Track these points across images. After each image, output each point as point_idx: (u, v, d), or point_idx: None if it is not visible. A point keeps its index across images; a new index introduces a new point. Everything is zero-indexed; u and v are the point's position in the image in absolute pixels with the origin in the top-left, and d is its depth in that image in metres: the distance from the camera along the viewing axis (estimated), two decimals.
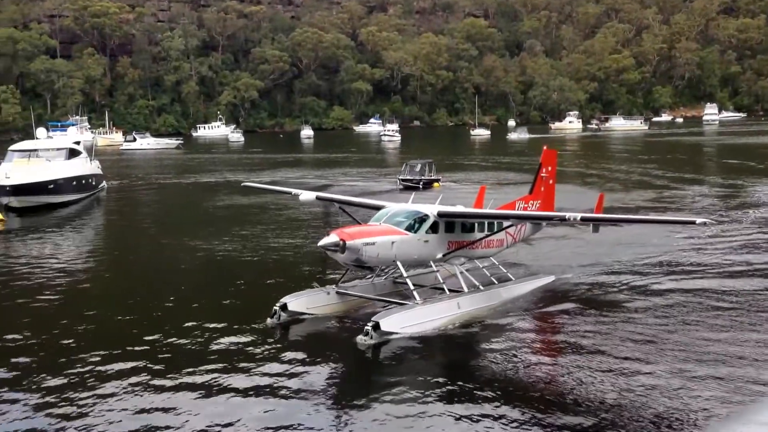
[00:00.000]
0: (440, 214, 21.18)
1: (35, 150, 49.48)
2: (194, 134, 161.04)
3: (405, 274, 20.29)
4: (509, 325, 20.53)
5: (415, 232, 20.52)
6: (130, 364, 17.45)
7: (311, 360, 17.85)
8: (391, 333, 18.92)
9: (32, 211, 44.27)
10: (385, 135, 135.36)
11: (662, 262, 27.70)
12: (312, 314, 21.17)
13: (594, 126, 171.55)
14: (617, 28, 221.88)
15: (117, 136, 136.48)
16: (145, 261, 31.28)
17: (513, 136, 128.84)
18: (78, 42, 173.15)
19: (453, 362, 18.28)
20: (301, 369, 17.32)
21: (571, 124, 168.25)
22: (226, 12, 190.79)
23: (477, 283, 22.21)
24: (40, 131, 55.45)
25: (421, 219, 20.86)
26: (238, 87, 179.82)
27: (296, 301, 21.01)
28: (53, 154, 49.61)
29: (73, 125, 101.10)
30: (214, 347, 18.77)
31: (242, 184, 32.45)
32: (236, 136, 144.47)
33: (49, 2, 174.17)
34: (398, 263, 20.21)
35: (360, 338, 18.76)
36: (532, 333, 20.51)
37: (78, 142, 56.44)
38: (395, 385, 16.31)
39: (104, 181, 58.27)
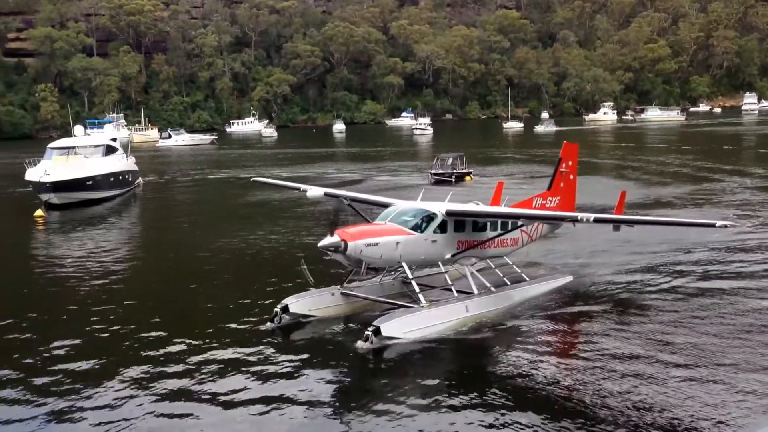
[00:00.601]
0: (449, 213, 20.26)
1: (73, 147, 50.41)
2: (228, 130, 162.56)
3: (410, 276, 19.60)
4: (522, 330, 19.61)
5: (422, 231, 19.69)
6: (130, 365, 17.44)
7: (309, 366, 17.20)
8: (393, 338, 18.04)
9: (71, 207, 45.15)
10: (416, 129, 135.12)
11: (695, 261, 26.46)
12: (315, 316, 20.42)
13: (629, 117, 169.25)
14: (653, 17, 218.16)
15: (152, 133, 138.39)
16: (173, 257, 31.57)
17: (539, 129, 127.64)
18: (114, 40, 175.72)
19: (459, 369, 17.45)
20: (297, 376, 16.66)
21: (605, 116, 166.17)
22: (258, 8, 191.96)
23: (488, 285, 21.27)
24: (78, 129, 56.46)
25: (429, 218, 20.00)
26: (271, 82, 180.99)
27: (298, 303, 20.31)
28: (91, 151, 50.53)
29: (109, 122, 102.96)
30: (212, 351, 18.20)
31: (251, 180, 31.81)
32: (269, 132, 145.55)
33: (86, 1, 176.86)
34: (403, 264, 19.48)
35: (360, 343, 17.91)
36: (547, 338, 19.26)
37: (114, 139, 57.47)
38: (396, 393, 15.59)
39: (140, 177, 59.17)
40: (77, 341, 19.25)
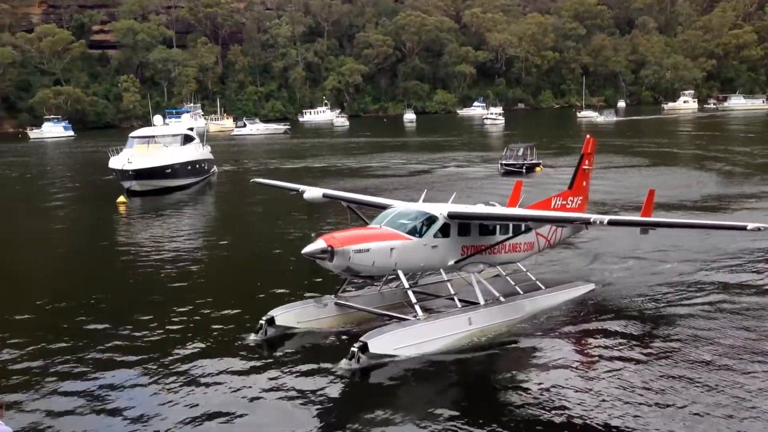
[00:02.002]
0: (451, 215, 18.45)
1: (153, 136, 52.38)
2: (300, 119, 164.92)
3: (407, 285, 17.75)
4: (532, 347, 17.62)
5: (421, 235, 17.95)
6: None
7: (282, 389, 15.38)
8: (383, 355, 16.20)
9: (151, 194, 46.95)
10: (488, 118, 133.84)
11: (743, 270, 23.80)
12: (305, 329, 18.65)
13: (711, 106, 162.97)
14: (738, 2, 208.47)
15: (227, 122, 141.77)
16: (242, 246, 32.45)
17: (600, 119, 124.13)
18: (192, 32, 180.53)
19: (458, 394, 15.44)
20: (275, 398, 14.97)
21: (685, 105, 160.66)
22: None
23: (497, 294, 19.20)
24: (157, 118, 58.58)
25: (429, 221, 18.25)
26: (343, 72, 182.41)
27: (286, 315, 18.64)
28: (170, 140, 52.36)
29: (187, 112, 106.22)
30: (191, 365, 16.92)
31: (251, 181, 29.72)
32: (341, 121, 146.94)
33: None
34: (399, 273, 17.66)
35: (344, 362, 16.02)
36: (561, 358, 16.96)
37: (191, 128, 59.46)
38: (384, 422, 13.89)
39: (215, 166, 60.90)
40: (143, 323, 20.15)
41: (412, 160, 67.79)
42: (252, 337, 18.32)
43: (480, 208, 20.73)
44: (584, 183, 23.71)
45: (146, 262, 27.95)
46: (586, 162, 23.80)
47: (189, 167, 52.08)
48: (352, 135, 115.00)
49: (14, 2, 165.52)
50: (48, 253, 31.46)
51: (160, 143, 51.28)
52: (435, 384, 15.81)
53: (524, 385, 15.48)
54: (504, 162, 53.85)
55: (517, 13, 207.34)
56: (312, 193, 22.65)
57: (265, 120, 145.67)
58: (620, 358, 16.76)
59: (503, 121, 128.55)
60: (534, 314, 19.60)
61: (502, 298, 19.21)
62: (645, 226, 18.77)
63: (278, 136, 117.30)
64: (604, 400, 14.57)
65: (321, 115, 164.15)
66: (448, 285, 18.63)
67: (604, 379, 15.67)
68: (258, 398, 15.05)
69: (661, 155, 65.33)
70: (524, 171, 51.38)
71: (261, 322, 18.33)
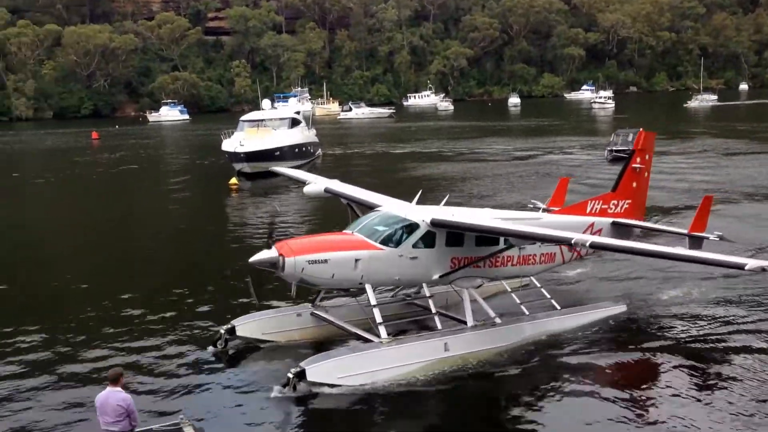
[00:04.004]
0: (434, 223, 15.85)
1: (262, 120, 54.44)
2: (405, 103, 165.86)
3: (373, 301, 15.22)
4: (522, 382, 14.65)
5: (397, 245, 15.59)
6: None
7: (211, 405, 13.76)
8: (324, 384, 14.00)
9: (260, 177, 48.90)
10: (596, 102, 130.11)
11: None
12: (272, 341, 16.71)
13: None
14: None
15: (333, 106, 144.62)
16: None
17: (693, 103, 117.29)
18: (301, 17, 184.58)
19: None
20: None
21: None
22: None
23: (492, 315, 16.37)
24: (265, 103, 60.78)
25: (408, 228, 15.84)
26: (448, 56, 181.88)
27: (249, 325, 16.72)
28: (278, 124, 54.23)
29: (294, 96, 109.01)
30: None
31: (269, 169, 28.50)
32: (445, 105, 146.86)
33: None
34: (367, 287, 15.32)
35: (277, 389, 13.98)
36: (557, 404, 13.81)
37: (298, 112, 61.27)
38: None
39: (319, 149, 62.52)
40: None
41: (515, 146, 67.05)
42: (210, 348, 16.51)
43: (475, 215, 17.61)
44: (633, 184, 20.23)
45: (259, 239, 29.34)
46: (638, 159, 20.35)
47: (296, 150, 53.80)
48: (456, 119, 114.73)
49: None
50: (166, 230, 33.58)
51: (269, 126, 53.17)
52: (378, 424, 13.43)
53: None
54: (612, 148, 52.30)
55: None
56: (312, 187, 20.66)
57: (370, 104, 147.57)
58: (636, 399, 13.73)
59: (613, 105, 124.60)
60: (535, 338, 16.63)
61: (498, 320, 16.39)
62: (630, 254, 15.66)
63: (383, 120, 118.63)
64: None
65: (425, 99, 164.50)
66: (430, 302, 16.05)
67: (609, 426, 12.77)
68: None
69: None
70: None
71: (221, 331, 16.55)
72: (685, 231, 18.98)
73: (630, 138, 52.74)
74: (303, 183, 21.58)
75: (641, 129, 21.53)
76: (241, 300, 19.78)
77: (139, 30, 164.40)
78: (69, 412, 13.78)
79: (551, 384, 14.59)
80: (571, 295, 19.88)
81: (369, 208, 18.09)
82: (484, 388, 14.69)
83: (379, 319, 15.15)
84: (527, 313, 17.20)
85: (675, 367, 15.25)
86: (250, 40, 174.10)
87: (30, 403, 14.22)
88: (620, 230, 19.61)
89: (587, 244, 14.44)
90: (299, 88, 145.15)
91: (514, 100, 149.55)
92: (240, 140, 49.79)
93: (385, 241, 15.58)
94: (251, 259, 14.73)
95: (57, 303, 21.17)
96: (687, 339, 16.84)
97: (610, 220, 19.66)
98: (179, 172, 56.68)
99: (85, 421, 13.20)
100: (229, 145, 50.33)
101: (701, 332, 17.15)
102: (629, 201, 20.15)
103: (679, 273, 21.14)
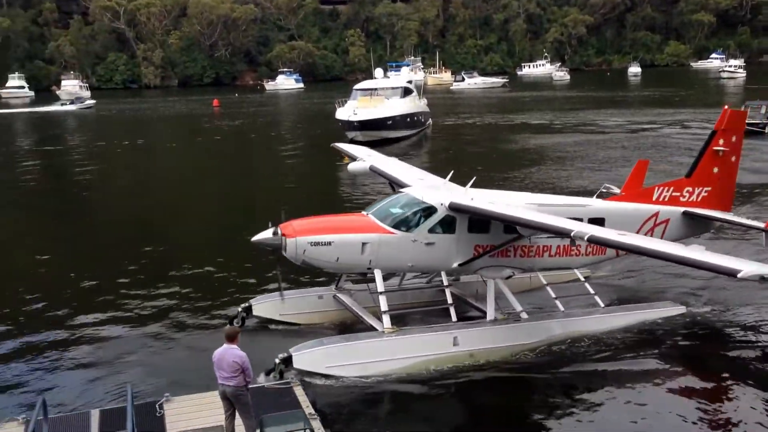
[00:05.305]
0: (452, 207, 14.76)
1: (375, 89, 55.15)
2: (519, 73, 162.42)
3: (381, 288, 14.36)
4: (535, 389, 13.20)
5: (410, 229, 14.62)
6: None
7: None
8: (312, 373, 13.24)
9: (371, 145, 49.64)
10: (725, 72, 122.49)
11: None
12: (289, 322, 16.26)
13: None
14: None
15: (445, 76, 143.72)
16: None
17: None
18: None
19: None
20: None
21: None
22: None
23: (519, 309, 15.17)
24: (378, 72, 61.53)
25: (426, 212, 14.83)
26: (566, 23, 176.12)
27: (265, 305, 16.37)
28: (390, 93, 54.77)
29: (406, 66, 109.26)
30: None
31: (331, 145, 27.03)
32: (560, 75, 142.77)
33: None
34: (376, 272, 14.51)
35: (262, 377, 13.13)
36: (578, 415, 12.30)
37: (410, 81, 61.50)
38: None
39: (430, 119, 62.63)
40: None
41: (631, 118, 64.47)
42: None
43: (504, 198, 15.92)
44: (714, 170, 18.02)
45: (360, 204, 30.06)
46: (721, 141, 18.01)
47: (407, 119, 54.23)
48: (571, 89, 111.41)
49: None
50: (281, 194, 35.01)
51: (382, 95, 53.80)
52: (360, 419, 12.28)
53: None
54: None
55: None
56: (357, 165, 19.72)
57: (483, 74, 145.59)
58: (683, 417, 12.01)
59: (744, 75, 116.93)
60: (565, 338, 15.15)
61: (524, 315, 15.17)
62: (622, 249, 13.91)
63: (496, 90, 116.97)
64: None
65: (540, 68, 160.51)
66: (447, 292, 15.17)
67: None
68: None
69: None
70: (766, 131, 46.97)
71: (238, 309, 16.36)
72: (762, 225, 17.21)
73: (763, 111, 49.67)
74: (354, 159, 20.50)
75: (726, 107, 18.64)
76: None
77: (258, 0, 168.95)
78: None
79: (566, 395, 12.92)
80: (632, 291, 18.13)
81: (401, 188, 16.99)
82: (487, 390, 13.34)
83: (384, 307, 14.32)
84: (562, 309, 15.71)
85: (733, 388, 13.12)
86: (366, 9, 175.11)
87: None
88: (693, 221, 17.89)
89: (585, 238, 12.89)
90: (412, 57, 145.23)
91: (634, 70, 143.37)
92: (354, 109, 50.71)
93: (398, 225, 14.68)
94: (253, 239, 14.29)
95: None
96: (757, 356, 14.39)
97: (681, 209, 17.75)
98: (294, 139, 58.39)
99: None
100: (343, 113, 51.38)
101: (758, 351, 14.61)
102: (708, 189, 18.05)
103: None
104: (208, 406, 11.43)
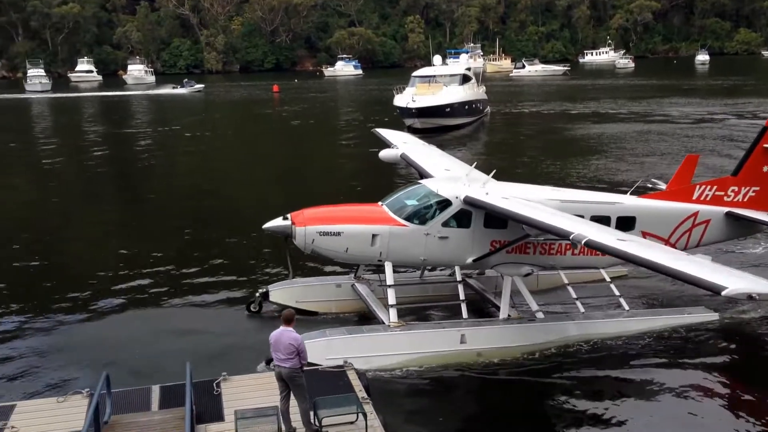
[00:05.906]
0: (467, 201, 14.40)
1: (434, 76, 54.83)
2: (581, 60, 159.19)
3: (390, 281, 14.16)
4: (541, 393, 12.67)
5: (423, 222, 14.33)
6: None
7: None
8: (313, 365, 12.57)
9: (430, 132, 49.52)
10: None
11: None
12: (306, 310, 16.06)
13: None
14: None
15: (505, 63, 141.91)
16: None
17: None
18: None
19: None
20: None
21: None
22: None
23: (536, 307, 14.77)
24: (436, 59, 61.06)
25: (441, 205, 14.48)
26: (632, 9, 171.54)
27: (282, 291, 16.33)
28: (448, 80, 54.36)
29: (465, 53, 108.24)
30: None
31: (372, 130, 27.05)
32: (624, 62, 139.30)
33: None
34: (386, 266, 14.30)
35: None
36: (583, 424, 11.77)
37: (469, 69, 60.97)
38: None
39: (488, 107, 61.96)
40: None
41: (697, 108, 62.45)
42: (245, 313, 16.42)
43: (526, 192, 15.34)
44: (764, 168, 16.94)
45: None
46: None
47: (466, 107, 53.81)
48: (635, 77, 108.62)
49: None
50: (337, 182, 35.29)
51: (440, 82, 53.47)
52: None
53: None
54: None
55: None
56: (389, 152, 19.65)
57: (544, 61, 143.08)
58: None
59: None
60: (582, 341, 14.57)
61: (540, 315, 14.75)
62: (615, 257, 12.72)
63: (556, 78, 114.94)
64: None
65: (603, 56, 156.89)
66: (460, 287, 14.73)
67: None
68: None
69: None
70: None
71: (257, 294, 16.54)
72: None
73: None
74: (394, 147, 20.22)
75: None
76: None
77: None
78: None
79: (569, 401, 12.41)
80: (665, 294, 17.15)
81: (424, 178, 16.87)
82: (489, 392, 13.01)
83: (392, 300, 14.07)
84: (582, 310, 15.10)
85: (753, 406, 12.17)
86: None
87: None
88: (737, 223, 16.87)
89: (582, 242, 12.19)
90: (471, 44, 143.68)
91: (702, 57, 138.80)
92: (412, 95, 50.57)
93: (411, 217, 14.42)
94: (264, 226, 14.36)
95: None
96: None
97: (724, 209, 16.80)
98: (351, 127, 58.65)
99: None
100: (401, 100, 51.30)
101: None
102: (756, 188, 16.95)
103: None
104: (264, 387, 11.64)
